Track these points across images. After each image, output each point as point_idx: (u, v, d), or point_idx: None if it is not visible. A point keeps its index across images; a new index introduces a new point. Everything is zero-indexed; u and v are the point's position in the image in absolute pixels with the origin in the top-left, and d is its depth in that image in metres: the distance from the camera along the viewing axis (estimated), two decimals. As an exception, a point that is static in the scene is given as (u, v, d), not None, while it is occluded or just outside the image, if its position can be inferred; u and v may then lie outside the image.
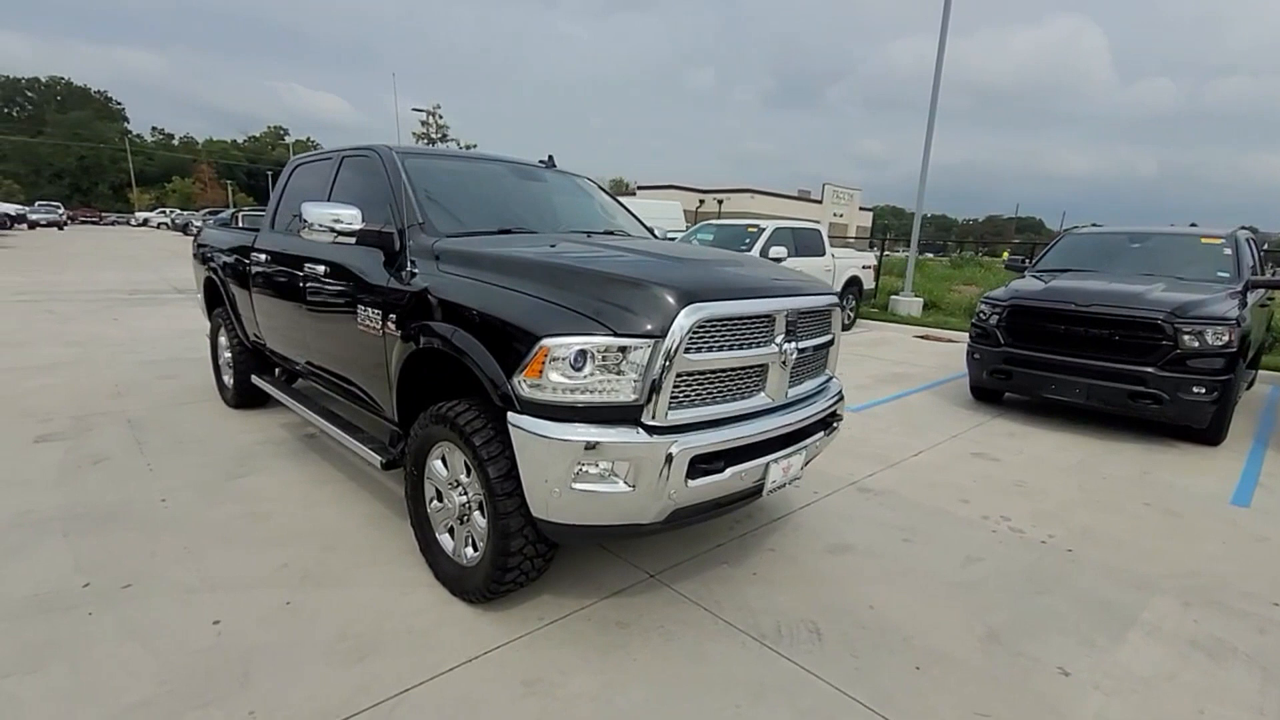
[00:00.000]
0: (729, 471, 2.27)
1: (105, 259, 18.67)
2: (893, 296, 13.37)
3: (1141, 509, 3.76)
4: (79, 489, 3.38)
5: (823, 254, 10.17)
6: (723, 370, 2.30)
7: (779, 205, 41.94)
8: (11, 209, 32.90)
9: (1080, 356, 5.06)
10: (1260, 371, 7.71)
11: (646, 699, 2.04)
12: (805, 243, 9.91)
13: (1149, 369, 4.78)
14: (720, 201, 39.53)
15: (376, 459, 2.95)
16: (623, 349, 2.08)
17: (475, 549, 2.45)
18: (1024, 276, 6.31)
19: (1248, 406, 6.24)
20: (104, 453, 3.89)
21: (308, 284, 3.49)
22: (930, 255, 35.72)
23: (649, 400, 2.11)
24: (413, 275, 2.72)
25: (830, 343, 2.90)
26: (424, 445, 2.57)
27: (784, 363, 2.49)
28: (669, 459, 2.08)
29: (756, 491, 2.50)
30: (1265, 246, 8.85)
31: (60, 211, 40.74)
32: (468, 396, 2.44)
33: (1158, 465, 4.52)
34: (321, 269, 3.35)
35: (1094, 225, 8.94)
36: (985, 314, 5.69)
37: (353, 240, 2.89)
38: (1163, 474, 4.35)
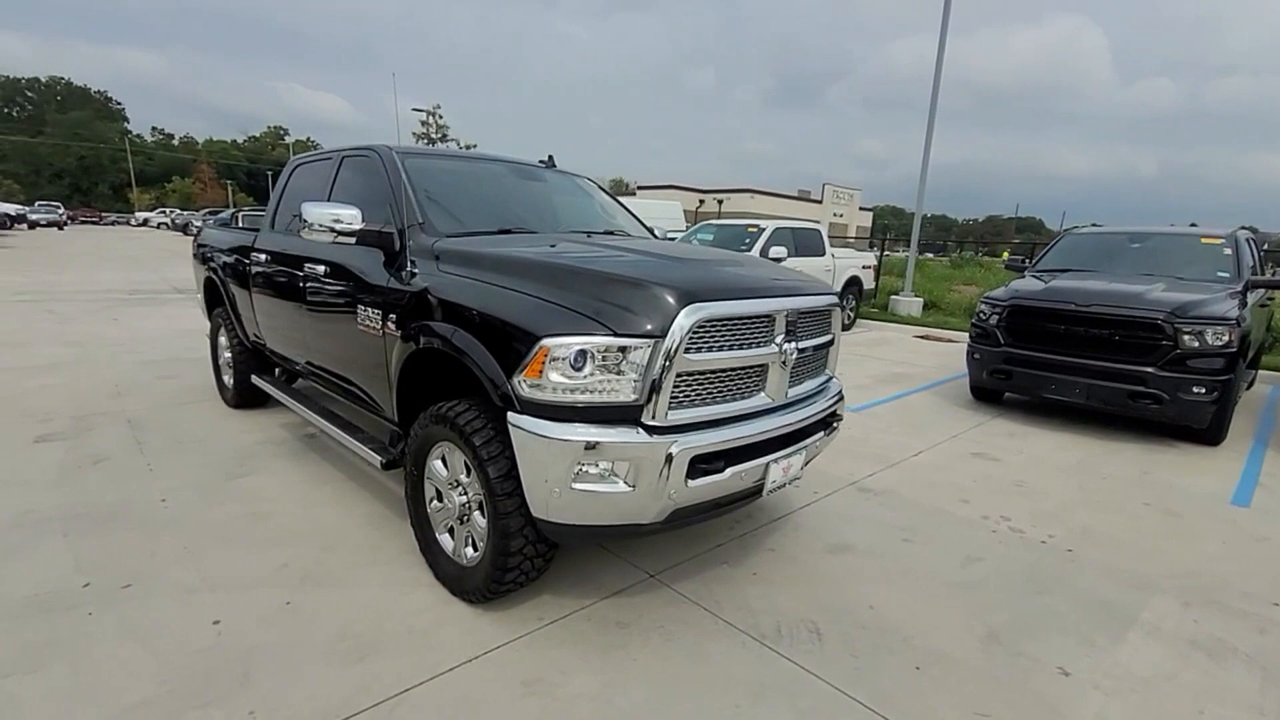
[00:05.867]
0: (729, 471, 2.27)
1: (105, 259, 18.67)
2: (893, 296, 13.38)
3: (1141, 509, 3.76)
4: (79, 489, 3.38)
5: (823, 254, 10.17)
6: (723, 370, 2.30)
7: (779, 205, 41.94)
8: (11, 209, 32.87)
9: (1080, 356, 5.06)
10: (1260, 371, 7.71)
11: (646, 699, 2.04)
12: (805, 243, 9.91)
13: (1149, 369, 4.78)
14: (720, 201, 39.53)
15: (376, 459, 2.95)
16: (623, 349, 2.08)
17: (475, 549, 2.45)
18: (1024, 276, 6.31)
19: (1248, 406, 6.24)
20: (104, 453, 3.89)
21: (308, 284, 3.49)
22: (930, 255, 35.72)
23: (649, 400, 2.11)
24: (413, 275, 2.72)
25: (830, 343, 2.90)
26: (424, 445, 2.57)
27: (784, 363, 2.49)
28: (669, 459, 2.08)
29: (756, 491, 2.50)
30: (1265, 246, 8.85)
31: (60, 211, 40.73)
32: (468, 396, 2.44)
33: (1158, 465, 4.52)
34: (321, 269, 3.35)
35: (1094, 225, 8.94)
36: (985, 314, 5.69)
37: (353, 240, 2.89)
38: (1163, 474, 4.35)
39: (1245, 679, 2.28)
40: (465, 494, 2.45)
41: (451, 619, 2.41)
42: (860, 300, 11.41)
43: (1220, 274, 5.60)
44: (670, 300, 2.15)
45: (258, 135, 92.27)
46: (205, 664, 2.10)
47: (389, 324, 2.78)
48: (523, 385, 2.11)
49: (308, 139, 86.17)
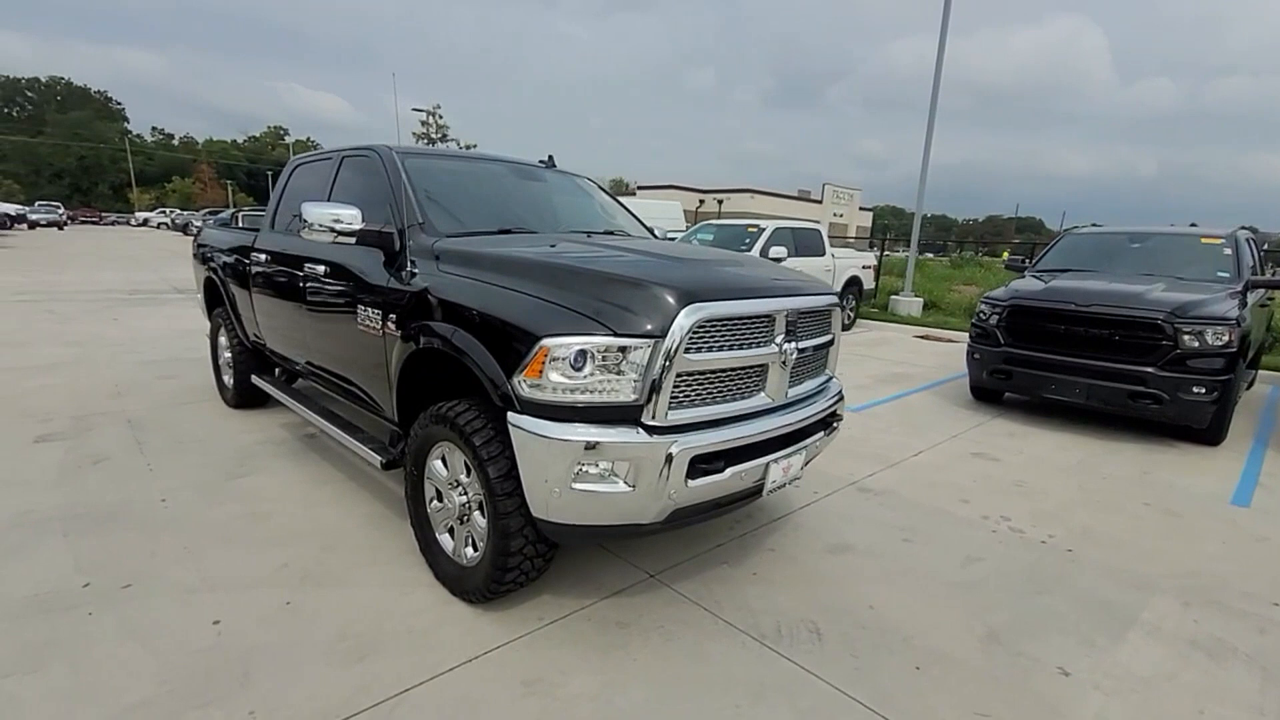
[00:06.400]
0: (729, 471, 2.27)
1: (105, 259, 18.67)
2: (893, 296, 13.38)
3: (1141, 509, 3.76)
4: (79, 489, 3.38)
5: (823, 254, 10.17)
6: (723, 370, 2.30)
7: (779, 205, 41.94)
8: (11, 209, 32.86)
9: (1080, 356, 5.06)
10: (1260, 371, 7.71)
11: (646, 699, 2.04)
12: (805, 243, 9.91)
13: (1149, 369, 4.78)
14: (720, 201, 39.53)
15: (376, 459, 2.95)
16: (623, 349, 2.08)
17: (475, 549, 2.45)
18: (1024, 276, 6.31)
19: (1248, 406, 6.24)
20: (104, 453, 3.89)
21: (308, 284, 3.49)
22: (930, 255, 35.74)
23: (649, 400, 2.11)
24: (413, 275, 2.72)
25: (830, 343, 2.90)
26: (424, 445, 2.57)
27: (784, 363, 2.49)
28: (669, 459, 2.08)
29: (756, 491, 2.50)
30: (1265, 246, 8.85)
31: (60, 211, 40.73)
32: (468, 396, 2.44)
33: (1158, 465, 4.52)
34: (321, 269, 3.35)
35: (1094, 225, 8.94)
36: (985, 314, 5.69)
37: (353, 240, 2.89)
38: (1163, 474, 4.35)
39: (1245, 679, 2.28)
40: (465, 494, 2.45)
41: (451, 619, 2.41)
42: (860, 300, 11.41)
43: (1220, 274, 5.60)
44: (670, 300, 2.15)
45: (258, 135, 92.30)
46: (205, 664, 2.10)
47: (389, 324, 2.78)
48: (523, 385, 2.11)
49: (308, 139, 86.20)
